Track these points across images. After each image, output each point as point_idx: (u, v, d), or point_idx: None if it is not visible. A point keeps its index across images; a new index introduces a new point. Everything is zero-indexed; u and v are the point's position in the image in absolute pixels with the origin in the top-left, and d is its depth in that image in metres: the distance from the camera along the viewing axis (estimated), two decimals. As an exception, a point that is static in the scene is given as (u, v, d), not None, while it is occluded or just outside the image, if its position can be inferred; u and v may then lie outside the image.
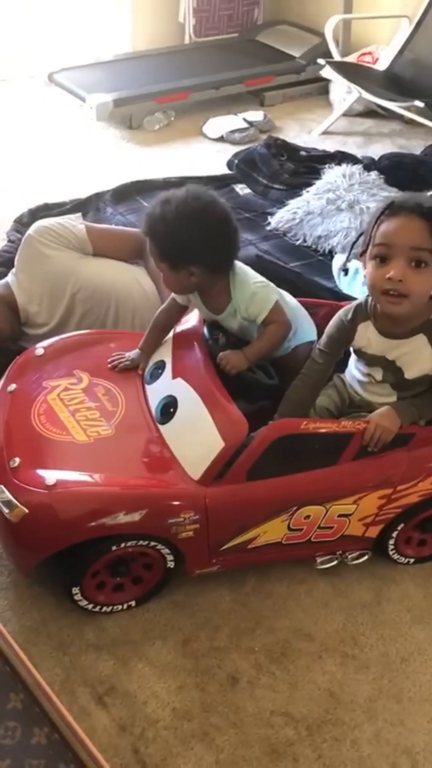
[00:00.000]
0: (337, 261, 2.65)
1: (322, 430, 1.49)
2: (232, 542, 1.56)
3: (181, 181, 3.12)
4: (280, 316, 1.64)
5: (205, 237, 1.53)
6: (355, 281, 2.56)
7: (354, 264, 2.62)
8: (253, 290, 1.61)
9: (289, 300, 1.74)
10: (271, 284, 1.66)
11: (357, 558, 1.69)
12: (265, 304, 1.61)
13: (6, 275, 2.18)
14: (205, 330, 1.67)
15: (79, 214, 2.22)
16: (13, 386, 1.70)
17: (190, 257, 1.55)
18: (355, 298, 2.33)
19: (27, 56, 3.98)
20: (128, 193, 3.01)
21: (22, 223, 2.72)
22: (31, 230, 2.07)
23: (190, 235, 1.52)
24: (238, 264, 1.64)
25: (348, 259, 2.64)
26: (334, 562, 1.68)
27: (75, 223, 2.11)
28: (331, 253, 2.71)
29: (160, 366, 1.68)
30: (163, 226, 1.53)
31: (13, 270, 2.13)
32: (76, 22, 4.13)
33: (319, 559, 1.67)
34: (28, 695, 0.85)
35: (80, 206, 2.85)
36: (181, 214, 1.52)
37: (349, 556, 1.69)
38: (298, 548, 1.63)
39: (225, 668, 1.52)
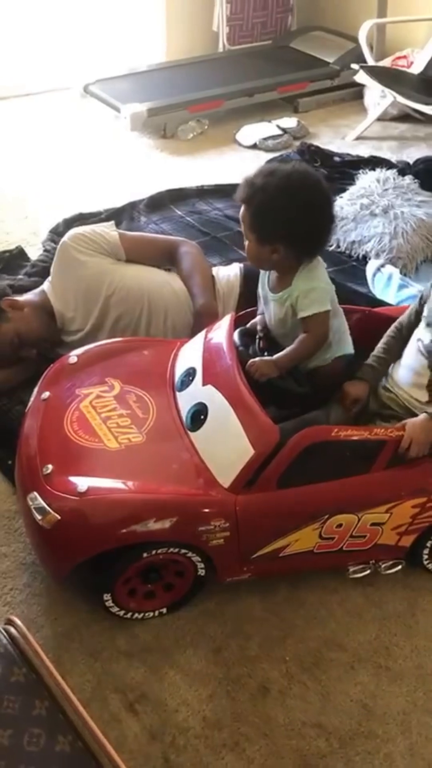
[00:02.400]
0: (371, 266, 2.63)
1: (354, 438, 1.48)
2: (263, 550, 1.55)
3: (215, 189, 3.15)
4: (320, 327, 1.62)
5: (300, 219, 1.52)
6: (389, 287, 2.53)
7: (388, 269, 2.60)
8: (315, 286, 1.60)
9: (340, 313, 1.74)
10: (333, 294, 1.66)
11: (390, 568, 1.67)
12: (316, 305, 1.60)
13: (42, 284, 2.22)
14: (236, 337, 1.67)
15: (112, 222, 2.24)
16: (46, 394, 1.72)
17: (280, 236, 1.54)
18: (389, 304, 2.33)
19: (62, 69, 4.04)
20: (162, 202, 3.04)
21: (57, 233, 2.75)
22: (65, 237, 2.10)
23: (287, 213, 1.51)
24: (321, 262, 1.64)
25: (383, 265, 2.62)
26: (367, 572, 1.65)
27: (108, 230, 2.14)
28: (365, 259, 2.69)
29: (191, 373, 1.68)
30: (262, 197, 1.51)
31: (49, 278, 2.16)
32: (110, 33, 4.19)
33: (351, 569, 1.65)
34: (53, 702, 0.86)
35: (115, 215, 2.88)
36: (283, 189, 1.50)
37: (382, 566, 1.66)
38: (330, 557, 1.62)
39: (256, 677, 1.51)
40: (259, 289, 1.75)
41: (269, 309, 1.70)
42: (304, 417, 1.59)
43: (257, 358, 1.59)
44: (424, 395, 1.59)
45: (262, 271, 1.72)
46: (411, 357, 1.62)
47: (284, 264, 1.60)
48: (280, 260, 1.58)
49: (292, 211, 1.51)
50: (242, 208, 1.59)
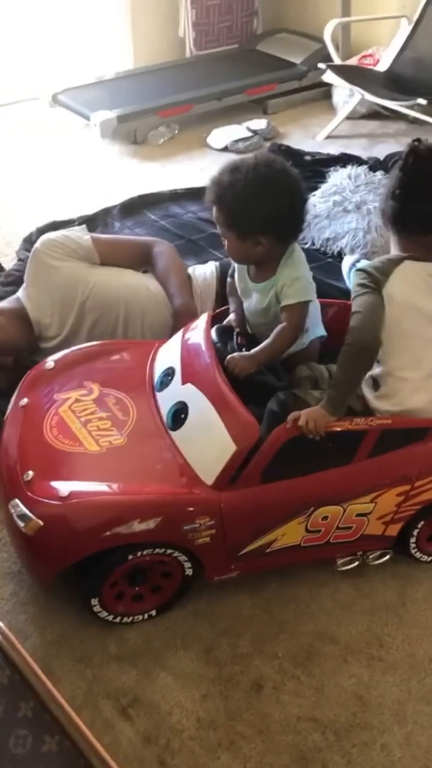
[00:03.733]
0: (347, 262, 2.64)
1: (336, 429, 1.48)
2: (249, 546, 1.54)
3: (188, 193, 3.15)
4: (299, 318, 1.63)
5: (276, 206, 1.52)
6: (365, 281, 2.54)
7: (363, 264, 2.60)
8: (300, 276, 1.61)
9: (316, 302, 1.75)
10: (313, 285, 1.67)
11: (378, 558, 1.66)
12: (299, 294, 1.60)
13: (15, 293, 2.20)
14: (214, 334, 1.67)
15: (83, 226, 2.23)
16: (25, 400, 1.70)
17: (260, 227, 1.54)
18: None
19: (30, 79, 4.03)
20: (136, 207, 3.03)
21: (30, 242, 2.73)
22: (37, 244, 2.09)
23: (261, 204, 1.51)
24: (299, 248, 1.65)
25: (358, 260, 2.63)
26: (355, 563, 1.65)
27: (80, 234, 2.13)
28: (340, 255, 2.70)
29: (170, 373, 1.67)
30: (233, 194, 1.51)
31: (24, 285, 2.15)
32: (77, 42, 4.19)
33: (339, 561, 1.65)
34: (38, 703, 0.84)
35: (88, 222, 2.85)
36: (252, 183, 1.51)
37: (370, 557, 1.66)
38: (318, 550, 1.61)
39: (249, 675, 1.50)
40: (237, 282, 1.74)
41: (250, 300, 1.70)
42: (270, 407, 1.56)
43: (235, 354, 1.58)
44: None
45: (238, 266, 1.72)
46: None
47: (268, 254, 1.61)
48: (265, 251, 1.59)
49: (266, 201, 1.52)
50: (214, 210, 1.59)
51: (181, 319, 1.98)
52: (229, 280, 1.79)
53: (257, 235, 1.55)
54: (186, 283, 2.13)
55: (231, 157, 3.42)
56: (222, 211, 1.56)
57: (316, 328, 1.75)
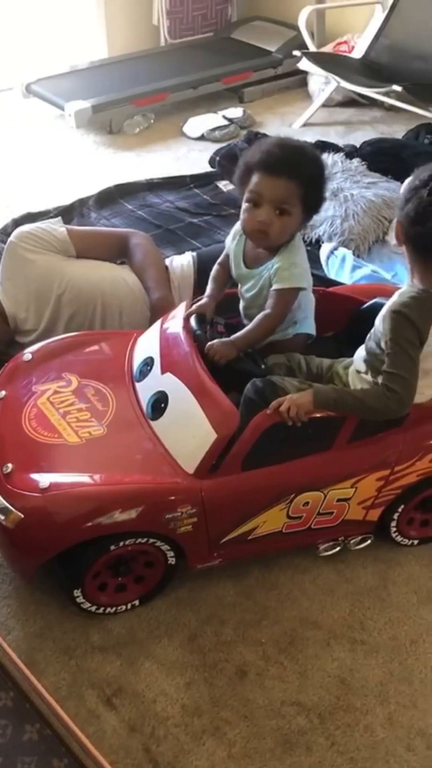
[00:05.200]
0: (325, 250, 2.64)
1: (315, 415, 1.48)
2: (231, 534, 1.54)
3: (165, 182, 3.14)
4: (285, 305, 1.63)
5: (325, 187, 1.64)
6: (343, 269, 2.55)
7: (342, 251, 2.61)
8: (297, 262, 1.63)
9: (311, 297, 1.76)
10: (310, 278, 1.68)
11: (360, 543, 1.68)
12: (292, 280, 1.61)
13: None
14: (193, 322, 1.66)
15: (59, 218, 2.21)
16: (2, 393, 1.68)
17: (320, 204, 1.63)
18: (342, 284, 2.35)
19: (3, 69, 3.98)
20: (112, 197, 3.01)
21: (6, 234, 2.69)
22: (12, 237, 2.07)
23: (325, 182, 1.63)
24: (300, 237, 1.69)
25: (336, 248, 2.63)
26: (337, 549, 1.66)
27: (56, 226, 2.11)
28: (318, 243, 2.70)
29: (149, 362, 1.67)
30: (313, 168, 1.60)
31: None
32: (50, 32, 4.14)
33: (321, 547, 1.66)
34: (18, 692, 0.84)
35: (64, 213, 2.84)
36: (321, 162, 1.63)
37: (352, 542, 1.67)
38: (300, 536, 1.62)
39: (233, 662, 1.51)
40: (232, 268, 1.73)
41: (244, 284, 1.71)
42: (247, 394, 1.55)
43: (215, 341, 1.58)
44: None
45: (234, 251, 1.72)
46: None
47: (294, 234, 1.65)
48: (298, 230, 1.64)
49: (325, 181, 1.63)
50: (282, 184, 1.55)
51: (159, 312, 1.97)
52: (216, 266, 1.77)
53: (316, 212, 1.64)
54: (163, 275, 2.12)
55: (207, 146, 3.48)
56: (303, 184, 1.57)
57: (305, 323, 1.73)
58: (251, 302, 1.72)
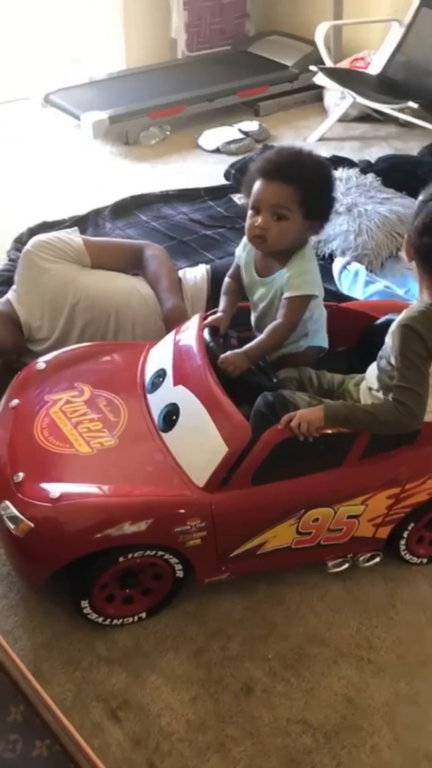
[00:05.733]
0: (338, 264, 2.65)
1: (327, 431, 1.48)
2: (240, 549, 1.54)
3: (179, 194, 3.16)
4: (297, 313, 1.63)
5: (333, 192, 1.64)
6: (356, 284, 2.55)
7: (354, 266, 2.62)
8: (308, 270, 1.64)
9: (323, 309, 1.76)
10: (322, 287, 1.70)
11: (369, 560, 1.67)
12: (304, 288, 1.62)
13: (6, 294, 2.19)
14: (206, 334, 1.66)
15: (75, 228, 2.23)
16: (15, 402, 1.69)
17: (325, 209, 1.63)
18: (355, 299, 2.35)
19: (22, 79, 4.02)
20: (127, 208, 3.03)
21: (21, 242, 2.72)
22: (28, 245, 2.08)
23: (331, 187, 1.63)
24: (311, 246, 1.70)
25: (349, 262, 2.64)
26: (346, 566, 1.65)
27: (72, 236, 2.12)
28: (331, 257, 2.71)
29: (161, 374, 1.67)
30: (319, 173, 1.61)
31: (14, 287, 2.14)
32: (69, 43, 4.18)
33: (330, 563, 1.65)
34: (28, 707, 0.84)
35: (79, 223, 2.86)
36: (321, 165, 1.63)
37: (361, 559, 1.66)
38: (308, 552, 1.61)
39: (239, 677, 1.50)
40: (243, 277, 1.73)
41: (254, 294, 1.71)
42: (257, 408, 1.55)
43: (228, 352, 1.58)
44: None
45: (245, 257, 1.72)
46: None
47: (304, 240, 1.65)
48: (306, 236, 1.65)
49: (332, 185, 1.63)
50: (279, 189, 1.57)
51: (172, 322, 1.97)
52: (227, 279, 1.78)
53: (319, 217, 1.62)
54: (177, 286, 2.12)
55: (222, 159, 3.50)
56: (299, 188, 1.57)
57: (317, 336, 1.73)
58: (263, 312, 1.72)
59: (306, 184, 1.58)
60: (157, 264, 2.15)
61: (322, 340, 1.76)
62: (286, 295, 1.62)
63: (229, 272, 1.78)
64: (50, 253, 2.05)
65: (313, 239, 2.72)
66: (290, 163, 1.60)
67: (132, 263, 2.17)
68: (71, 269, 2.06)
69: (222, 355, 1.58)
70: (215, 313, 1.80)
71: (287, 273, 1.62)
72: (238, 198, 3.14)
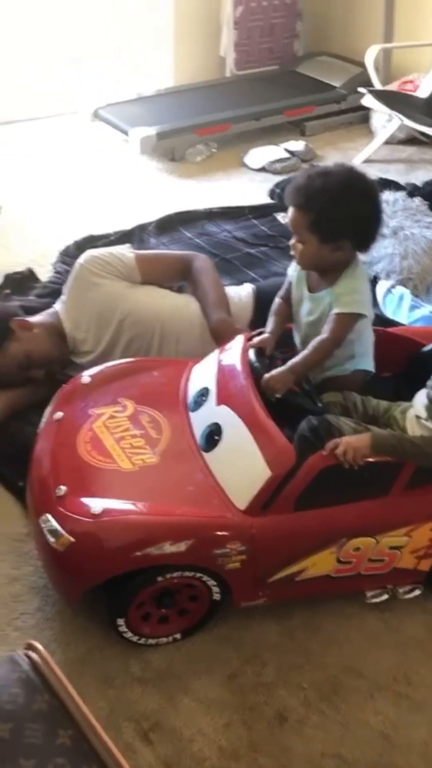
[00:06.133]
0: (382, 287, 2.62)
1: (372, 459, 1.46)
2: (279, 574, 1.52)
3: (224, 211, 3.17)
4: (343, 329, 1.62)
5: (362, 213, 1.58)
6: (400, 308, 2.52)
7: (399, 290, 2.59)
8: (360, 288, 1.64)
9: (371, 331, 1.75)
10: (371, 309, 1.69)
11: (409, 592, 1.63)
12: (352, 306, 1.61)
13: (52, 305, 2.21)
14: (252, 355, 1.65)
15: (128, 245, 2.25)
16: (59, 414, 1.70)
17: (346, 232, 1.58)
18: (401, 325, 2.32)
19: (72, 93, 4.08)
20: (171, 224, 3.04)
21: (68, 255, 2.76)
22: (81, 259, 2.10)
23: (350, 209, 1.57)
24: (362, 263, 1.68)
25: (393, 285, 2.61)
26: (385, 597, 1.62)
27: (125, 252, 2.14)
28: (375, 280, 2.68)
29: (204, 393, 1.67)
30: (326, 197, 1.56)
31: (62, 298, 2.16)
32: (119, 58, 4.24)
33: (369, 593, 1.62)
34: (76, 731, 0.83)
35: (124, 238, 2.88)
36: (345, 187, 1.57)
37: (401, 591, 1.63)
38: (348, 581, 1.59)
39: (273, 705, 1.47)
40: (293, 291, 1.74)
41: (302, 309, 1.70)
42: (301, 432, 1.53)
43: (273, 371, 1.57)
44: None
45: (297, 274, 1.72)
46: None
47: (341, 260, 1.63)
48: (340, 257, 1.62)
49: (355, 206, 1.57)
50: (293, 213, 1.60)
51: (218, 334, 1.99)
52: (277, 300, 1.78)
53: (341, 238, 1.58)
54: (223, 298, 2.13)
55: (267, 177, 3.50)
56: (309, 213, 1.57)
57: (364, 359, 1.72)
58: (310, 328, 1.70)
59: (316, 209, 1.56)
60: (203, 276, 2.16)
61: (368, 363, 1.75)
62: (334, 311, 1.61)
63: (280, 293, 1.78)
64: (102, 268, 2.07)
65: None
66: (302, 187, 1.60)
67: (180, 274, 2.20)
68: (121, 286, 2.08)
69: (267, 374, 1.57)
70: (260, 333, 1.79)
71: (337, 290, 1.62)
72: (281, 217, 3.14)
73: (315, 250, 1.60)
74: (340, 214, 1.57)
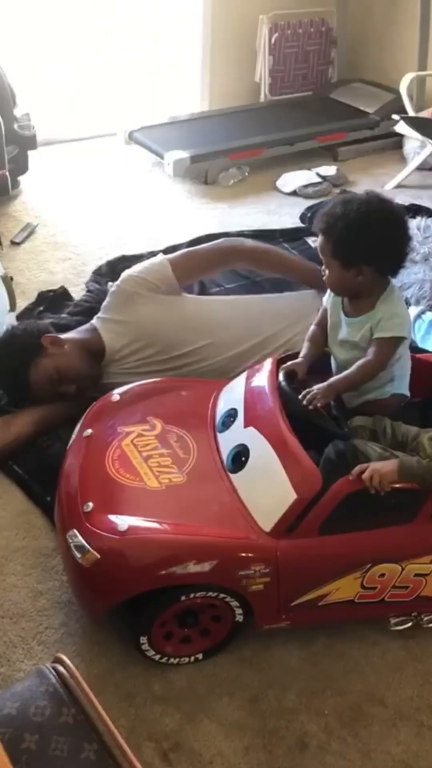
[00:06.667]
0: (412, 313, 2.62)
1: (398, 485, 1.45)
2: (303, 598, 1.52)
3: (255, 234, 3.20)
4: (387, 353, 1.63)
5: (383, 238, 1.59)
6: (430, 334, 2.52)
7: (429, 316, 2.59)
8: (400, 312, 1.65)
9: (408, 354, 1.76)
10: (410, 331, 1.71)
11: (433, 621, 1.62)
12: (395, 329, 1.63)
13: (84, 323, 2.25)
14: (281, 377, 1.67)
15: (161, 255, 2.29)
16: (89, 431, 1.73)
17: (365, 257, 1.60)
18: (429, 351, 2.31)
19: (108, 115, 4.17)
20: (203, 246, 3.08)
21: (100, 274, 2.81)
22: (119, 281, 2.17)
23: (370, 234, 1.58)
24: (397, 287, 1.70)
25: (423, 311, 2.61)
26: (409, 624, 1.61)
27: (160, 264, 2.19)
28: (406, 305, 2.68)
29: (232, 414, 1.68)
30: (343, 224, 1.59)
31: (102, 316, 2.19)
32: (155, 82, 4.33)
33: (392, 621, 1.61)
34: (101, 746, 0.84)
35: (156, 259, 2.92)
36: (364, 214, 1.59)
37: (425, 619, 1.61)
38: (372, 608, 1.58)
39: (294, 730, 1.47)
40: (329, 315, 1.75)
41: (340, 334, 1.72)
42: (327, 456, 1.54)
43: (314, 387, 1.58)
44: None
45: (332, 299, 1.75)
46: None
47: (367, 286, 1.64)
48: (364, 282, 1.63)
49: (373, 232, 1.58)
50: (321, 239, 1.64)
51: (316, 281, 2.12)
52: (313, 327, 1.80)
53: (361, 264, 1.60)
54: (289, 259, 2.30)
55: (299, 202, 3.53)
56: (330, 239, 1.61)
57: (401, 383, 1.73)
58: (348, 354, 1.71)
59: (335, 235, 1.60)
60: (260, 253, 2.30)
61: (405, 388, 1.75)
62: (377, 335, 1.62)
63: (316, 320, 1.79)
64: (141, 288, 2.12)
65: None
66: (325, 214, 1.63)
67: (222, 263, 2.31)
68: (161, 306, 2.13)
69: (306, 390, 1.58)
70: (289, 356, 1.81)
71: (377, 315, 1.63)
72: (312, 241, 3.16)
73: (338, 275, 1.63)
74: (356, 241, 1.58)
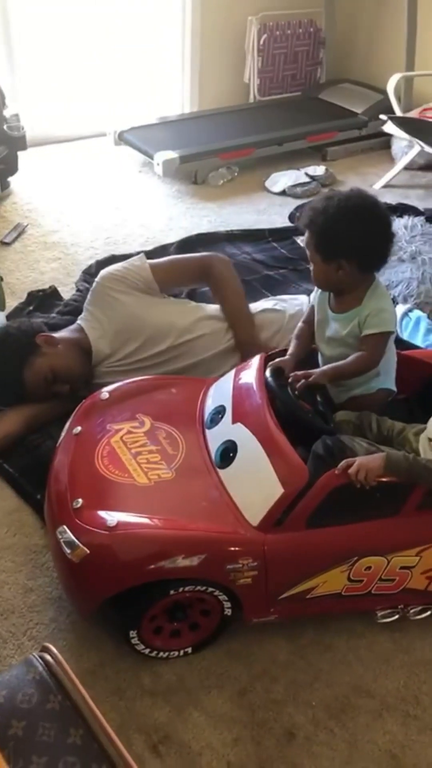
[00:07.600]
0: (399, 311, 2.65)
1: (384, 479, 1.47)
2: (290, 591, 1.54)
3: (244, 234, 3.22)
4: (379, 348, 1.66)
5: (362, 233, 1.61)
6: (417, 331, 2.54)
7: (416, 314, 2.61)
8: (386, 307, 1.67)
9: (394, 349, 1.79)
10: (396, 324, 1.73)
11: (419, 613, 1.64)
12: (383, 325, 1.65)
13: (74, 322, 2.27)
14: (268, 375, 1.69)
15: (141, 254, 2.30)
16: (78, 429, 1.74)
17: (343, 251, 1.62)
18: (417, 347, 2.34)
19: (98, 116, 4.19)
20: (192, 246, 3.10)
21: (90, 274, 2.82)
22: (98, 278, 2.17)
23: (348, 228, 1.61)
24: (382, 282, 1.72)
25: (411, 309, 2.63)
26: (396, 617, 1.63)
27: (140, 264, 2.20)
28: (393, 303, 2.70)
29: (221, 411, 1.70)
30: (323, 218, 1.62)
31: (85, 316, 2.21)
32: (144, 83, 4.35)
33: (379, 613, 1.63)
34: (87, 731, 0.86)
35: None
36: (343, 209, 1.61)
37: (411, 611, 1.64)
38: (358, 600, 1.60)
39: (281, 722, 1.49)
40: (316, 312, 1.78)
41: (326, 330, 1.74)
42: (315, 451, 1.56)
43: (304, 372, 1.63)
44: None
45: (318, 295, 1.78)
46: None
47: (350, 281, 1.66)
48: (345, 276, 1.65)
49: (353, 227, 1.61)
50: (306, 235, 1.68)
51: (244, 349, 2.08)
52: (300, 324, 1.83)
53: (340, 259, 1.62)
54: (245, 312, 2.19)
55: (288, 201, 3.56)
56: (312, 234, 1.65)
57: (386, 378, 1.76)
58: (335, 350, 1.74)
59: (315, 230, 1.63)
60: (227, 291, 2.22)
61: (391, 382, 1.78)
62: (366, 332, 1.65)
63: (303, 317, 1.82)
64: (121, 285, 2.13)
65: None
66: (309, 209, 1.67)
67: (199, 278, 2.28)
68: (141, 302, 2.13)
69: (294, 373, 1.63)
70: (278, 352, 1.83)
71: (364, 312, 1.66)
72: (301, 240, 3.19)
73: (321, 269, 1.67)
74: (335, 234, 1.61)
